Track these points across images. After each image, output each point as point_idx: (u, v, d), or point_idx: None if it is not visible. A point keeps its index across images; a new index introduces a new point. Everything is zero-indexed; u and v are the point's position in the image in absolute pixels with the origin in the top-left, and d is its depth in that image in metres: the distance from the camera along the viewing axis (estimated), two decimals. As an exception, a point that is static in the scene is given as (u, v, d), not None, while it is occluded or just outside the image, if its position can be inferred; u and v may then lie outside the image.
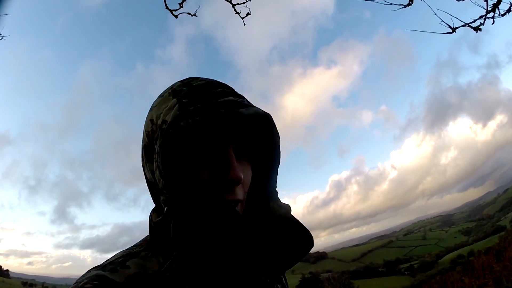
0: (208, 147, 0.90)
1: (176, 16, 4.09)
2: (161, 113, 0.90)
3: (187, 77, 1.00)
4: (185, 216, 0.84)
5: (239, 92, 0.99)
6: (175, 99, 0.90)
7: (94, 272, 0.84)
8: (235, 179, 0.87)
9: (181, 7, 4.08)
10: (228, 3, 4.26)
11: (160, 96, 0.97)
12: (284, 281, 1.16)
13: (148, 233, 0.99)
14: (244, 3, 4.27)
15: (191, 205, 0.85)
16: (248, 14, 4.32)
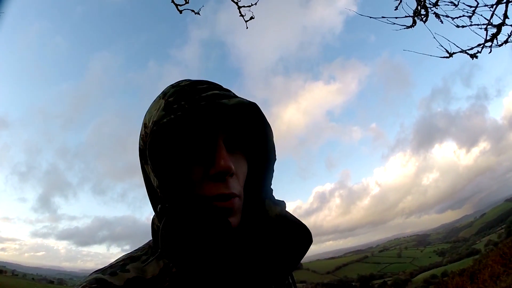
0: (197, 142, 0.90)
1: (180, 12, 4.08)
2: (152, 115, 0.91)
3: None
4: (176, 218, 0.84)
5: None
6: (163, 100, 0.92)
7: (94, 275, 0.85)
8: (223, 169, 0.86)
9: (186, 2, 4.05)
10: (235, 4, 4.28)
11: (154, 100, 0.98)
12: (292, 285, 1.08)
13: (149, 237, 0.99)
14: (249, 6, 4.30)
15: (182, 207, 0.86)
16: (252, 18, 4.35)
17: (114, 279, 0.83)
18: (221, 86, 0.97)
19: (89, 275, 0.87)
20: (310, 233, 0.96)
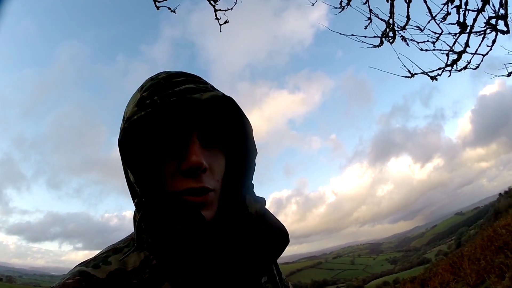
0: (170, 137, 0.89)
1: (158, 8, 4.07)
2: (129, 109, 0.90)
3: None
4: (150, 212, 0.86)
5: None
6: (139, 94, 0.91)
7: (78, 268, 0.85)
8: (194, 164, 0.85)
9: (165, -1, 4.00)
10: (212, 6, 4.32)
11: (134, 92, 0.97)
12: (274, 270, 1.10)
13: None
14: (225, 10, 4.37)
15: (155, 201, 0.86)
16: (226, 22, 4.42)
17: (96, 272, 0.83)
18: (199, 79, 0.95)
19: (74, 267, 0.88)
20: (287, 234, 0.98)
